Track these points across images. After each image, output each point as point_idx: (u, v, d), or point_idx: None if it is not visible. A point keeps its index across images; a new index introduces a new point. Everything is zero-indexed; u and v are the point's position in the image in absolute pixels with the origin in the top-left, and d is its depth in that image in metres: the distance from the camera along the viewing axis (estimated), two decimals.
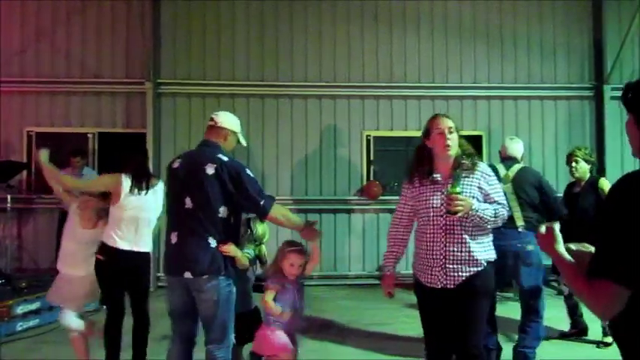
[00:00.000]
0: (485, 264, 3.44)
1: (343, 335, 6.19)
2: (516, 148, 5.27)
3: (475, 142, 8.99)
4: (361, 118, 9.35)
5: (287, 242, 4.00)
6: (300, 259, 3.90)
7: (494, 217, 3.42)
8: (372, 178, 9.29)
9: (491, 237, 3.55)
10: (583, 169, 5.52)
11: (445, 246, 3.40)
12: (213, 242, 3.50)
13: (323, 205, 9.17)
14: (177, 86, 9.09)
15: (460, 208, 3.26)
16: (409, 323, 6.56)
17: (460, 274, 3.38)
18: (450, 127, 3.46)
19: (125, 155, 4.81)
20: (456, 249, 3.38)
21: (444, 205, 3.33)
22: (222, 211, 3.52)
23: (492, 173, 3.62)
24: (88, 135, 9.03)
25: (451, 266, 3.38)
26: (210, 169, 3.51)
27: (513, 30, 9.54)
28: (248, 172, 3.60)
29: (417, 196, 3.54)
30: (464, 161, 3.48)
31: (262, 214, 3.64)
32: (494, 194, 3.49)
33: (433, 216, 3.42)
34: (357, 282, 9.01)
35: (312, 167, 9.26)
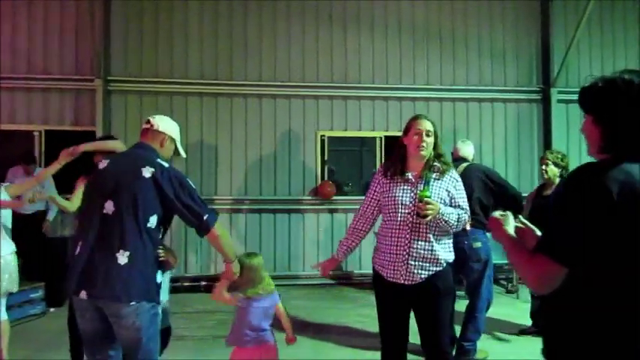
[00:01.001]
0: (445, 264, 3.54)
1: (298, 334, 6.18)
2: (467, 149, 5.49)
3: None
4: (315, 118, 9.36)
5: (253, 253, 3.99)
6: None
7: (457, 221, 3.53)
8: (326, 178, 9.32)
9: (452, 239, 3.64)
10: (552, 171, 5.69)
11: (410, 243, 3.46)
12: (123, 259, 2.94)
13: (277, 205, 9.14)
14: (128, 84, 8.90)
15: (430, 212, 3.36)
16: (363, 322, 6.63)
17: (421, 272, 3.47)
18: (429, 130, 3.54)
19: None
20: (419, 247, 3.46)
21: (416, 208, 3.41)
22: (153, 220, 3.05)
23: (460, 179, 3.70)
24: (34, 133, 8.75)
25: (413, 263, 3.45)
26: (146, 172, 3.05)
27: (465, 34, 9.72)
28: (190, 182, 3.20)
29: (386, 192, 3.59)
30: (436, 164, 3.57)
31: (204, 229, 3.15)
32: (460, 199, 3.60)
33: (401, 213, 3.48)
34: (311, 282, 9.01)
35: (267, 167, 9.21)
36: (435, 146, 3.60)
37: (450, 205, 3.54)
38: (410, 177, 3.54)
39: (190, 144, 8.84)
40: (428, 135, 3.53)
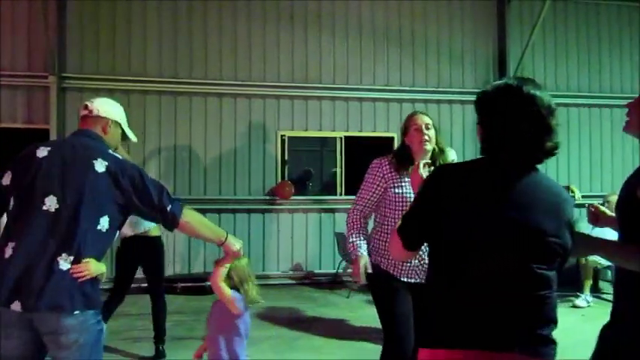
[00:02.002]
0: None
1: (257, 334, 6.16)
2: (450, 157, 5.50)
3: (387, 143, 9.22)
4: (276, 118, 9.33)
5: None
6: None
7: None
8: (286, 178, 9.31)
9: None
10: None
11: None
12: (66, 264, 2.48)
13: (237, 205, 9.08)
14: (83, 81, 8.68)
15: None
16: (322, 321, 6.65)
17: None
18: (427, 124, 3.41)
19: None
20: None
21: None
22: (104, 222, 2.61)
23: None
24: None
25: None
26: (100, 166, 2.62)
27: (424, 36, 9.85)
28: (146, 173, 2.82)
29: (394, 187, 3.39)
30: (442, 160, 3.44)
31: (171, 223, 2.75)
32: None
33: None
34: (271, 282, 8.98)
35: (226, 167, 9.14)
36: (437, 141, 3.45)
37: None
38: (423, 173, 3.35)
39: (148, 143, 8.72)
40: (428, 128, 3.39)
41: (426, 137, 3.37)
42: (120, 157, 2.78)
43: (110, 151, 2.79)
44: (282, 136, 9.34)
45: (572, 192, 5.87)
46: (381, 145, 9.13)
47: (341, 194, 9.39)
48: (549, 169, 9.26)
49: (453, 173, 2.01)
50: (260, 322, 6.74)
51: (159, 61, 9.00)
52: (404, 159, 3.45)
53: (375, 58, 9.67)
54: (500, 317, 1.84)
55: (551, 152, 1.93)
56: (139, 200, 2.68)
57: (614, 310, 2.36)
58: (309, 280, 9.14)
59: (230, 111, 9.19)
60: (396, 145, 9.53)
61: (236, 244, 3.00)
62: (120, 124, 2.98)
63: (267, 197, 9.20)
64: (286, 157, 9.36)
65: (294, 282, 9.10)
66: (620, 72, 10.46)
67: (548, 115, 1.91)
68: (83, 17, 8.78)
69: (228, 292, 3.16)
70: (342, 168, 9.46)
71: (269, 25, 9.34)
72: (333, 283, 8.90)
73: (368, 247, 3.47)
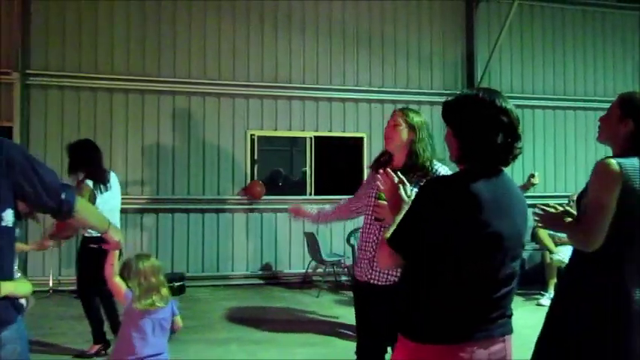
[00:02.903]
0: None
1: (226, 334, 6.13)
2: None
3: (357, 144, 9.26)
4: (245, 117, 9.28)
5: (143, 255, 3.48)
6: None
7: None
8: (255, 178, 9.27)
9: None
10: None
11: (377, 239, 3.17)
12: None
13: (206, 205, 9.01)
14: (48, 78, 8.49)
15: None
16: (291, 321, 6.64)
17: (388, 271, 3.18)
18: (396, 122, 3.34)
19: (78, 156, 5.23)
20: None
21: (372, 211, 3.20)
22: (7, 216, 2.18)
23: None
24: None
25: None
26: None
27: (393, 37, 9.92)
28: (33, 156, 2.36)
29: (367, 186, 3.52)
30: (416, 163, 3.29)
31: (66, 214, 2.36)
32: None
33: (374, 207, 3.22)
34: (240, 282, 8.95)
35: (195, 166, 9.05)
36: (412, 142, 3.30)
37: None
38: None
39: (115, 142, 8.59)
40: (395, 126, 3.32)
41: (388, 134, 3.35)
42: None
43: None
44: (251, 135, 9.30)
45: (534, 177, 6.28)
46: (350, 146, 9.17)
47: (311, 194, 9.39)
48: (515, 170, 9.41)
49: (437, 184, 2.10)
50: (229, 323, 6.72)
51: (126, 59, 8.86)
52: (378, 161, 3.49)
53: (345, 59, 9.70)
54: (482, 311, 1.97)
55: (517, 156, 2.08)
56: (30, 187, 2.24)
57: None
58: (279, 280, 9.13)
59: (199, 110, 9.11)
60: (365, 145, 9.58)
61: (116, 235, 2.74)
62: None
63: (237, 197, 9.15)
64: (256, 157, 9.33)
65: (263, 282, 9.08)
66: (584, 75, 10.71)
67: (518, 125, 2.04)
68: (48, 13, 8.58)
69: (121, 283, 3.29)
70: (311, 168, 9.45)
71: (238, 24, 9.28)
72: (303, 282, 8.90)
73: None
